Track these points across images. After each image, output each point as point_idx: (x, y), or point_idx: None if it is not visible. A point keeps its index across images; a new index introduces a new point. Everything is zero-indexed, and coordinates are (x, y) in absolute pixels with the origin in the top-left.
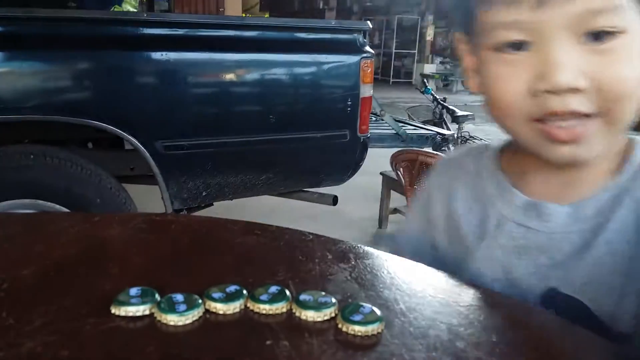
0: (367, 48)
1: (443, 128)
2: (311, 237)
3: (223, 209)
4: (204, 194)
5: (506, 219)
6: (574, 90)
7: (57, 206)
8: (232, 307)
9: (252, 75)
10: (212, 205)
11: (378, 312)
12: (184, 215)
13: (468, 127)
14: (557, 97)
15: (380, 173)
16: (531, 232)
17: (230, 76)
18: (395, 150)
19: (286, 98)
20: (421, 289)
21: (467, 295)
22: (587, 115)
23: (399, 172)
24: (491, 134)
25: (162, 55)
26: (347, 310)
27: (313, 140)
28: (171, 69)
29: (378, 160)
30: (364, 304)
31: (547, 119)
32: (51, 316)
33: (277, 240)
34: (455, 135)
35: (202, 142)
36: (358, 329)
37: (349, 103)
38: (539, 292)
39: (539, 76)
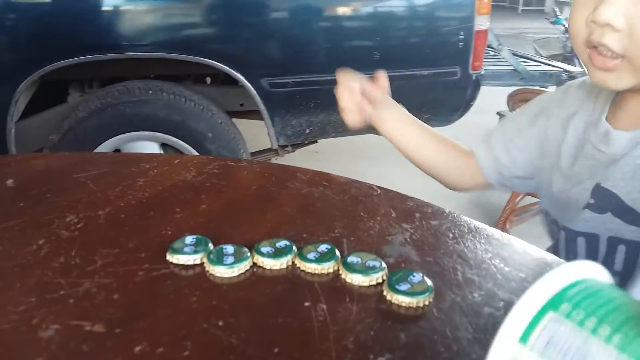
0: None
1: (572, 64)
2: (379, 191)
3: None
4: (307, 131)
5: (589, 141)
6: (610, 27)
7: (174, 138)
8: (279, 263)
9: (357, 11)
10: (316, 142)
11: (429, 282)
12: (258, 161)
13: None
14: (598, 28)
15: (497, 113)
16: (600, 153)
17: (334, 12)
18: (513, 89)
19: (392, 32)
20: (487, 258)
21: (540, 270)
22: (618, 54)
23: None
24: None
25: None
26: (395, 277)
27: (420, 77)
28: (277, 7)
29: (497, 98)
30: (415, 272)
31: (593, 47)
32: (112, 258)
33: (342, 194)
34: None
35: (306, 79)
36: (402, 300)
37: (462, 37)
38: (591, 186)
39: (592, 8)
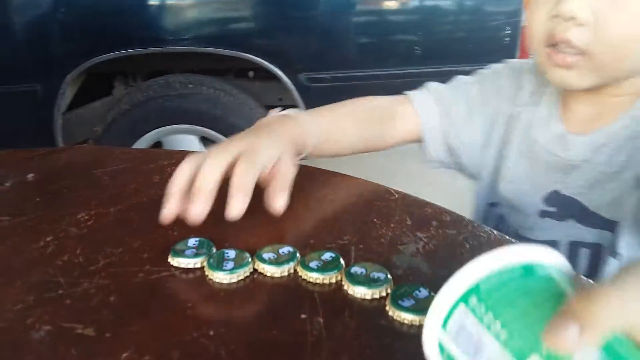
0: None
1: None
2: (396, 196)
3: None
4: None
5: (539, 143)
6: (575, 21)
7: (213, 132)
8: (280, 271)
9: (400, 5)
10: None
11: None
12: None
13: None
14: (562, 22)
15: None
16: (556, 157)
17: (375, 6)
18: None
19: (435, 27)
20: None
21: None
22: (579, 50)
23: None
24: None
25: None
26: (400, 291)
27: (464, 73)
28: (317, 1)
29: None
30: (422, 287)
31: (554, 45)
32: (115, 258)
33: (357, 197)
34: None
35: (344, 74)
36: (405, 316)
37: (508, 32)
38: (545, 193)
39: (555, 3)
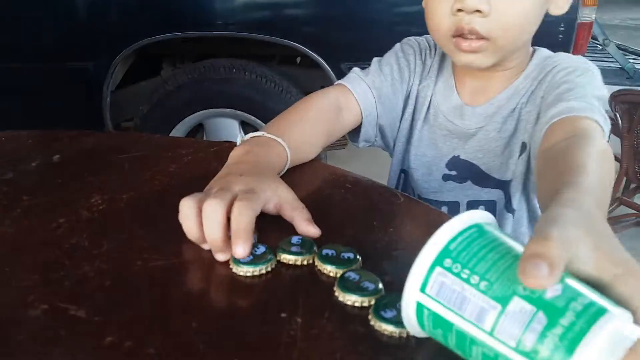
0: None
1: None
2: (402, 199)
3: None
4: None
5: (442, 112)
6: (478, 12)
7: (253, 117)
8: (259, 269)
9: None
10: None
11: None
12: None
13: None
14: (466, 15)
15: None
16: (454, 126)
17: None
18: (617, 88)
19: None
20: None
21: None
22: (483, 37)
23: (617, 114)
24: None
25: None
26: (383, 302)
27: None
28: None
29: None
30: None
31: (459, 35)
32: (117, 243)
33: (363, 198)
34: None
35: None
36: (385, 328)
37: (562, 29)
38: (445, 160)
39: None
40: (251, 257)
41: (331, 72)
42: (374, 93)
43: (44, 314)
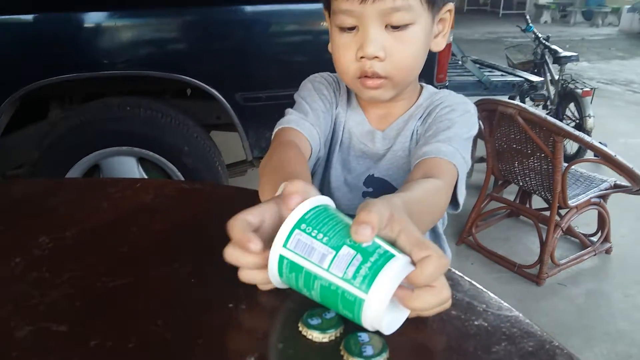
0: None
1: (542, 70)
2: None
3: None
4: None
5: (356, 136)
6: (377, 58)
7: (151, 153)
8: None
9: (319, 27)
10: None
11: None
12: (212, 184)
13: (582, 64)
14: (367, 61)
15: None
16: (367, 147)
17: (305, 28)
18: (477, 98)
19: None
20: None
21: None
22: (383, 77)
23: (479, 122)
24: (606, 74)
25: (241, 9)
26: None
27: None
28: (250, 24)
29: None
30: (361, 334)
31: (364, 76)
32: (75, 272)
33: None
34: (557, 78)
35: (279, 94)
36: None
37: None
38: (364, 177)
39: (360, 47)
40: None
41: (226, 103)
42: (317, 130)
43: (30, 333)
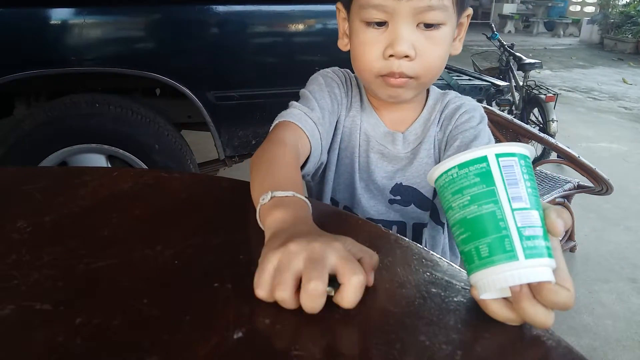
0: None
1: (507, 76)
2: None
3: None
4: (253, 142)
5: (374, 138)
6: (407, 57)
7: (121, 150)
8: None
9: (305, 27)
10: None
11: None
12: (190, 173)
13: (545, 72)
14: (396, 60)
15: None
16: (386, 149)
17: (279, 28)
18: None
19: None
20: None
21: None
22: (410, 76)
23: None
24: (568, 81)
25: (213, 8)
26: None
27: None
28: (222, 22)
29: None
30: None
31: (387, 75)
32: (57, 255)
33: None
34: (521, 84)
35: (252, 93)
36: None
37: None
38: (389, 187)
39: (389, 45)
40: None
41: (198, 101)
42: (319, 130)
43: (13, 312)
